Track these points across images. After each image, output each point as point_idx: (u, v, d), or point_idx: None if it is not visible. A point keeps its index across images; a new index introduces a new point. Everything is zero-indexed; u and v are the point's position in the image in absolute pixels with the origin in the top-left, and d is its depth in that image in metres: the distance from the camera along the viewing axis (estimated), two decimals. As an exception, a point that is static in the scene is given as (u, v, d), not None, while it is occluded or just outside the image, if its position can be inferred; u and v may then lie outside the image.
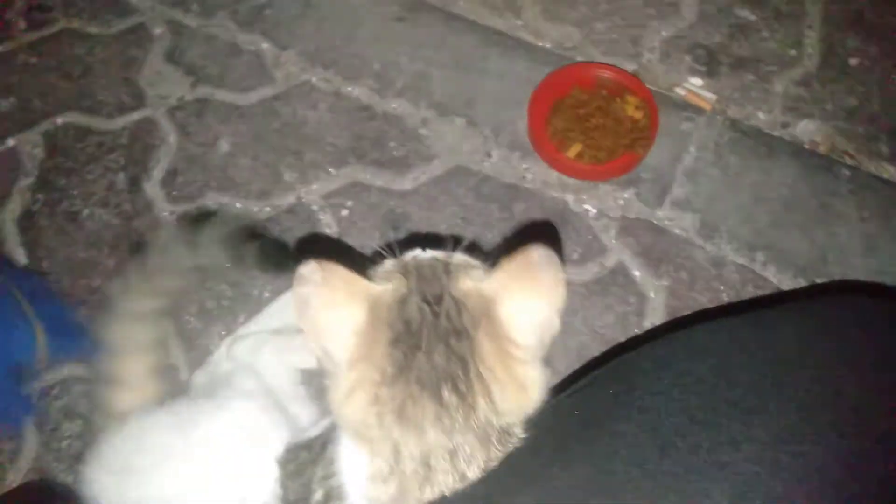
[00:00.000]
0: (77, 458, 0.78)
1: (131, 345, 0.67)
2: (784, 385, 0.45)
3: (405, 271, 0.51)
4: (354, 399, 0.47)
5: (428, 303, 0.49)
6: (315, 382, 0.77)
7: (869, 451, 0.43)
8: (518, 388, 0.48)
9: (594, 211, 0.92)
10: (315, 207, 0.93)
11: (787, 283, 0.86)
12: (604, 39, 1.07)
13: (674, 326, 0.81)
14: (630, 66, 1.04)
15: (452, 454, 0.47)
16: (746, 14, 1.08)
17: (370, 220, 0.92)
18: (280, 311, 0.82)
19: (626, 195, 0.93)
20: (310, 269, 0.48)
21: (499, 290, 0.49)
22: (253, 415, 0.61)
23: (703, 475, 0.41)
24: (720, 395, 0.45)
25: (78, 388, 0.83)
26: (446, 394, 0.47)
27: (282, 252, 0.80)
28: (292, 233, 0.91)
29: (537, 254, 0.48)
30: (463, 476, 0.47)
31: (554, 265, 0.48)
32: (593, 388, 0.54)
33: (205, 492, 0.57)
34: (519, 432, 0.49)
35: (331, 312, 0.48)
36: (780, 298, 0.83)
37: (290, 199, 0.94)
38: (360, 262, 0.53)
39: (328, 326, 0.48)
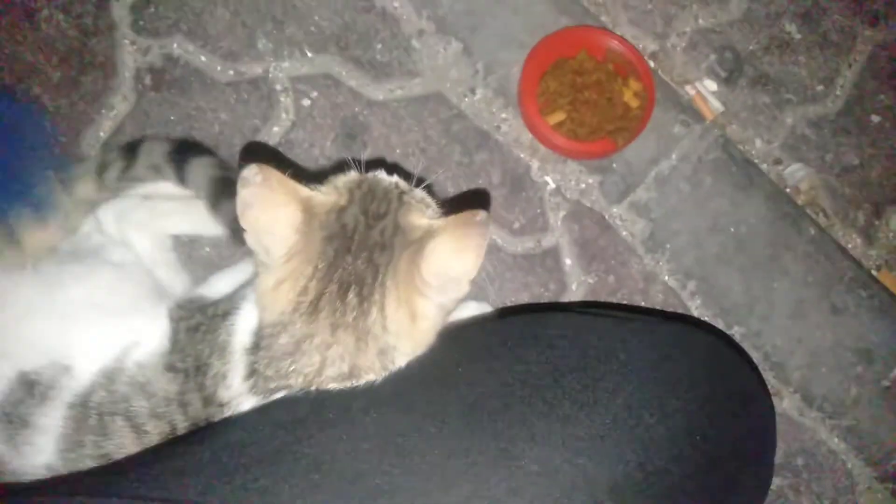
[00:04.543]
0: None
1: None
2: (601, 392, 0.49)
3: (356, 186, 0.55)
4: (282, 289, 0.52)
5: (366, 215, 0.53)
6: (185, 249, 0.79)
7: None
8: (410, 313, 0.52)
9: (553, 186, 0.89)
10: (279, 87, 0.89)
11: (706, 319, 0.86)
12: (637, 6, 0.98)
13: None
14: (651, 46, 0.97)
15: (327, 346, 0.51)
16: (793, 30, 0.99)
17: (329, 118, 0.88)
18: None
19: (589, 180, 0.89)
20: (251, 172, 0.51)
21: (435, 232, 0.52)
22: (120, 282, 0.62)
23: (507, 441, 0.47)
24: (541, 384, 0.50)
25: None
26: (351, 294, 0.51)
27: None
28: (248, 106, 0.88)
29: (478, 222, 0.51)
30: (321, 369, 0.52)
31: (483, 241, 0.50)
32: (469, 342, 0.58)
33: (68, 348, 0.58)
34: (400, 360, 0.53)
35: (271, 211, 0.52)
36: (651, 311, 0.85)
37: (256, 69, 0.89)
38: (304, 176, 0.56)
39: (268, 224, 0.52)
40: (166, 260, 0.73)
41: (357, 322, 0.51)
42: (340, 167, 0.58)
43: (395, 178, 0.57)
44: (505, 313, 0.74)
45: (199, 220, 0.76)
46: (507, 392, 0.49)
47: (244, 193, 0.50)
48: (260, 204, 0.51)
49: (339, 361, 0.51)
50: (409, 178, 0.58)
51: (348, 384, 0.52)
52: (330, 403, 0.51)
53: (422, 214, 0.54)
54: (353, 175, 0.57)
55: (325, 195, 0.54)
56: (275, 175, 0.52)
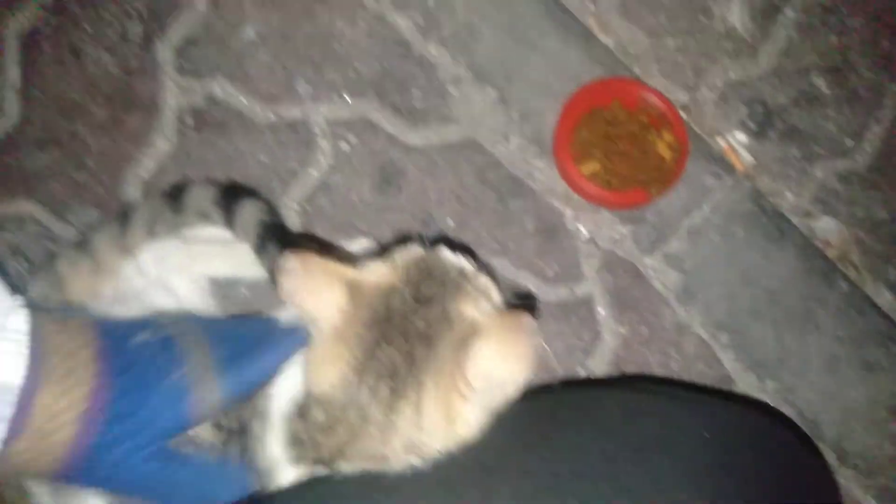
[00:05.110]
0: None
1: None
2: (658, 492, 0.46)
3: (415, 264, 0.53)
4: (326, 369, 0.51)
5: (414, 299, 0.51)
6: (225, 293, 0.79)
7: None
8: (447, 416, 0.49)
9: (586, 235, 0.90)
10: (317, 130, 0.90)
11: (739, 372, 0.86)
12: (668, 58, 1.00)
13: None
14: (682, 97, 0.98)
15: (356, 433, 0.50)
16: (821, 84, 1.01)
17: (366, 163, 0.89)
18: None
19: (623, 230, 0.90)
20: (289, 261, 0.50)
21: (482, 331, 0.49)
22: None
23: None
24: (596, 477, 0.47)
25: (34, 229, 0.83)
26: (383, 387, 0.49)
27: None
28: (286, 149, 0.89)
29: (527, 326, 0.48)
30: (349, 449, 0.50)
31: (532, 347, 0.48)
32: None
33: None
34: (434, 453, 0.50)
35: (314, 296, 0.51)
36: (710, 391, 0.83)
37: (296, 113, 0.90)
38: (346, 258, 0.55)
39: (313, 308, 0.51)
40: (206, 305, 0.74)
41: (386, 418, 0.49)
42: (405, 240, 0.57)
43: (459, 260, 0.55)
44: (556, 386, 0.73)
45: (239, 263, 0.77)
46: (560, 486, 0.47)
47: (284, 283, 0.50)
48: (301, 290, 0.51)
49: (365, 449, 0.50)
50: (480, 263, 0.56)
51: (381, 468, 0.50)
52: (378, 483, 0.50)
53: (474, 305, 0.52)
54: (415, 251, 0.55)
55: (377, 273, 0.53)
56: (314, 260, 0.51)
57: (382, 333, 0.50)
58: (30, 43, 0.90)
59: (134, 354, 0.49)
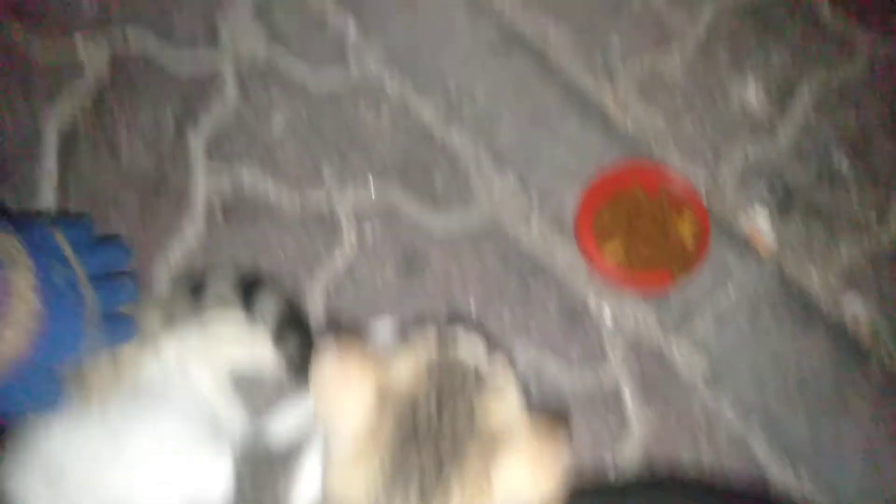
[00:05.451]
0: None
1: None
2: None
3: (434, 365, 0.53)
4: (352, 480, 0.49)
5: (439, 400, 0.51)
6: (250, 389, 0.77)
7: None
8: None
9: (610, 317, 0.89)
10: (342, 216, 0.91)
11: (774, 463, 0.84)
12: (686, 138, 1.01)
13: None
14: (702, 178, 0.99)
15: None
16: (842, 162, 1.01)
17: (389, 247, 0.91)
18: None
19: (647, 313, 0.89)
20: (329, 346, 0.50)
21: (511, 436, 0.49)
22: (185, 427, 0.62)
23: None
24: None
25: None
26: (413, 496, 0.48)
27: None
28: (311, 235, 0.90)
29: (559, 442, 0.48)
30: None
31: (561, 465, 0.48)
32: None
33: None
34: None
35: (343, 390, 0.50)
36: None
37: (321, 199, 0.92)
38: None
39: (340, 403, 0.50)
40: (227, 397, 0.73)
41: None
42: (422, 323, 0.57)
43: (476, 355, 0.54)
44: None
45: (258, 350, 0.77)
46: None
47: (319, 370, 0.50)
48: (333, 382, 0.50)
49: None
50: (489, 339, 0.57)
51: None
52: None
53: (499, 406, 0.51)
54: (432, 344, 0.55)
55: (403, 370, 0.53)
56: (353, 351, 0.51)
57: (412, 440, 0.50)
58: (68, 135, 0.94)
59: (56, 295, 0.60)
